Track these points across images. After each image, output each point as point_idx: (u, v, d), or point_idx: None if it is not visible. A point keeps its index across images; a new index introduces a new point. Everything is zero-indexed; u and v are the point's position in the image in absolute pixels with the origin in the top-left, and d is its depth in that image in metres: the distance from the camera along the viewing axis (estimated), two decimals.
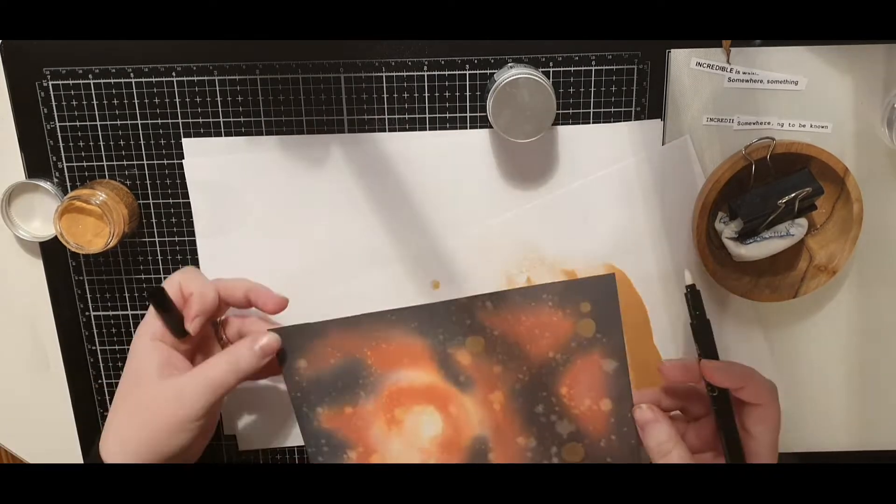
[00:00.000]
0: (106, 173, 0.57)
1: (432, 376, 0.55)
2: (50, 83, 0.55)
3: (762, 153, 0.54)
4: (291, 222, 0.58)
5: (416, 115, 0.56)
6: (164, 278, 0.59)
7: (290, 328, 0.53)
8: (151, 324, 0.53)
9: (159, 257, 0.59)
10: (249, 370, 0.52)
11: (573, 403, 0.54)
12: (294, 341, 0.53)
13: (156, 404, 0.51)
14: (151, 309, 0.53)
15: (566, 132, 0.57)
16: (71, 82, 0.55)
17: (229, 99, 0.56)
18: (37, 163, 0.57)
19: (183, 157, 0.57)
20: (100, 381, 0.62)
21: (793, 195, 0.53)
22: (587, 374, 0.53)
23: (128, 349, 0.61)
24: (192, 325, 0.53)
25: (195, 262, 0.59)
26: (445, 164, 0.57)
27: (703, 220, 0.55)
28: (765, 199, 0.54)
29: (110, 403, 0.62)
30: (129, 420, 0.51)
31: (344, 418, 0.55)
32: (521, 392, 0.54)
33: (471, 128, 0.56)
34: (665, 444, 0.50)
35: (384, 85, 0.56)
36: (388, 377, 0.54)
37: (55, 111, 0.56)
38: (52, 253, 0.59)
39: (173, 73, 0.55)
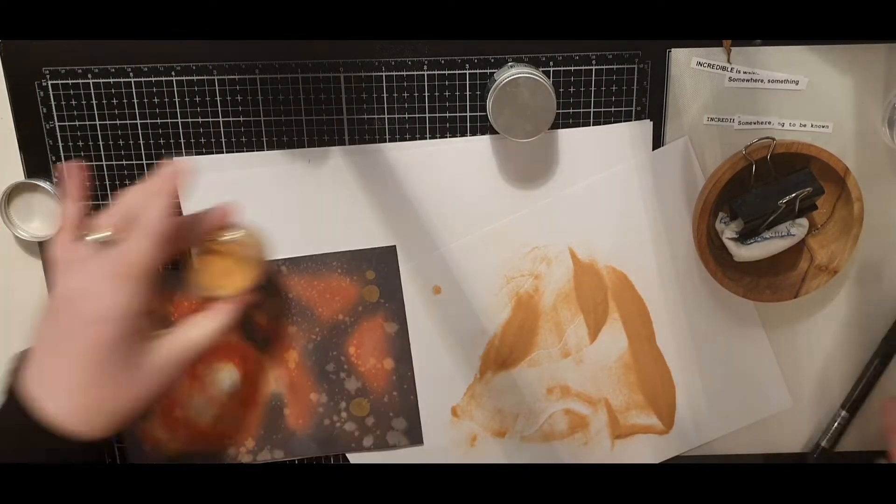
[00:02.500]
0: (105, 173, 0.57)
1: (232, 335, 0.59)
2: (49, 83, 0.55)
3: (762, 153, 0.54)
4: (291, 229, 0.58)
5: (416, 115, 0.56)
6: (165, 273, 0.60)
7: None
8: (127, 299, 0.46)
9: None
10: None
11: (360, 362, 0.60)
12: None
13: (122, 365, 0.46)
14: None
15: (564, 135, 0.57)
16: (70, 82, 0.55)
17: (229, 99, 0.56)
18: (36, 163, 0.57)
19: (183, 157, 0.57)
20: None
21: (793, 195, 0.53)
22: (372, 336, 0.59)
23: None
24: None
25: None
26: (446, 171, 0.57)
27: (703, 220, 0.55)
28: (765, 199, 0.54)
29: None
30: (79, 370, 0.46)
31: None
32: (314, 351, 0.59)
33: (471, 127, 0.56)
34: None
35: (384, 85, 0.56)
36: None
37: (55, 111, 0.56)
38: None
39: (173, 73, 0.55)
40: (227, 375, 0.60)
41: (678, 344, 0.61)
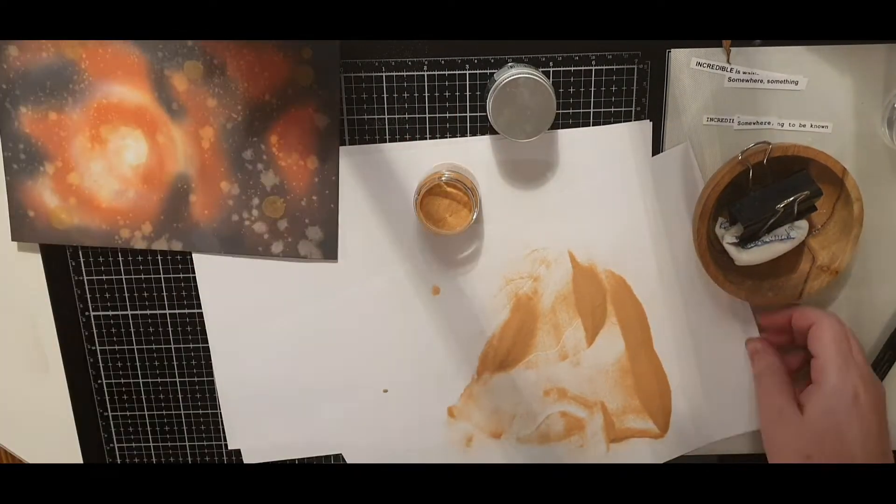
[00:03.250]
0: None
1: (144, 96, 0.53)
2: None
3: (759, 157, 0.54)
4: None
5: (416, 115, 0.56)
6: (163, 278, 0.60)
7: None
8: None
9: (158, 257, 0.59)
10: None
11: (281, 154, 0.54)
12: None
13: None
14: None
15: (564, 136, 0.57)
16: None
17: None
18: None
19: None
20: (99, 381, 0.62)
21: (791, 199, 0.53)
22: (299, 126, 0.54)
23: (128, 349, 0.61)
24: None
25: (195, 263, 0.59)
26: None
27: (703, 225, 0.55)
28: (764, 203, 0.54)
29: (110, 403, 0.62)
30: None
31: (47, 125, 0.53)
32: (232, 132, 0.54)
33: (471, 127, 0.56)
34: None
35: (384, 85, 0.56)
36: (98, 87, 0.53)
37: None
38: (52, 253, 0.59)
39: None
40: (133, 143, 0.54)
41: (679, 348, 0.61)
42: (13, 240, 0.57)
